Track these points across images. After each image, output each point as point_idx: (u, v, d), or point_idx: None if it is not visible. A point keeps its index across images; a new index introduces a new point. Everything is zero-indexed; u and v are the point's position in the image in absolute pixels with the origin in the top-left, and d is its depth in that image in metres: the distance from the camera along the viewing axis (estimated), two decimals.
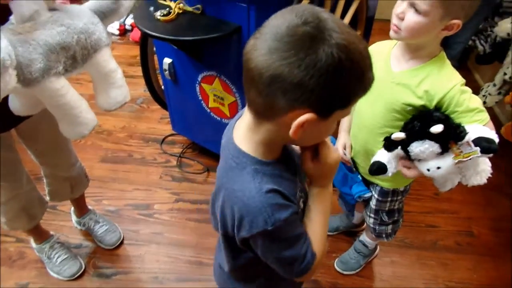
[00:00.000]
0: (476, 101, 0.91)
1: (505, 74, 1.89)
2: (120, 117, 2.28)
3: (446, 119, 0.89)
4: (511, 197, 1.83)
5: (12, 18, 0.78)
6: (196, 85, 1.68)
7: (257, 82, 0.53)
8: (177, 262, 1.60)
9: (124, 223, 1.73)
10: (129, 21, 3.06)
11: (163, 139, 2.15)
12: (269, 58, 0.51)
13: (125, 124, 2.26)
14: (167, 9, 1.40)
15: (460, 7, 0.83)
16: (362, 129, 1.10)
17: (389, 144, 0.95)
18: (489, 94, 2.00)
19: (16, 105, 0.92)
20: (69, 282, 1.52)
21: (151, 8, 1.43)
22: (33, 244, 1.55)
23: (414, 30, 0.87)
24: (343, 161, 1.23)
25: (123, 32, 3.08)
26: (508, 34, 1.86)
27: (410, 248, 1.66)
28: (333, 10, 1.55)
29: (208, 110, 1.74)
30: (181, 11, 1.40)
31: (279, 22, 0.52)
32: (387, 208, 1.24)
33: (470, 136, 0.84)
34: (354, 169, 1.23)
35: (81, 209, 1.64)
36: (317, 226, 0.71)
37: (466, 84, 0.92)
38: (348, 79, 0.52)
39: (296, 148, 0.74)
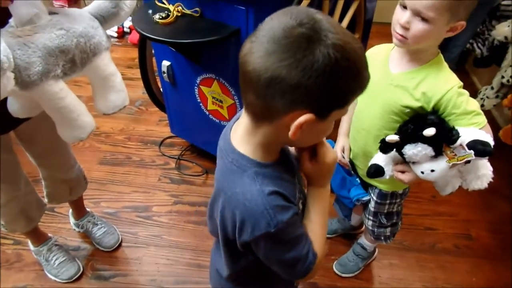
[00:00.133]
0: (473, 104, 0.91)
1: (502, 77, 1.89)
2: (119, 119, 2.28)
3: (440, 123, 0.89)
4: (509, 200, 1.84)
5: (11, 21, 0.78)
6: (195, 87, 1.68)
7: (254, 85, 0.53)
8: (175, 264, 1.60)
9: (123, 225, 1.73)
10: (128, 23, 3.06)
11: (162, 141, 2.15)
12: (266, 60, 0.51)
13: (124, 126, 2.26)
14: (166, 12, 1.40)
15: (464, 8, 0.84)
16: (360, 132, 1.10)
17: (385, 146, 0.95)
18: (487, 97, 2.00)
19: (14, 108, 0.92)
20: (67, 285, 1.51)
21: (150, 11, 1.43)
22: (31, 246, 1.54)
23: (422, 38, 0.87)
24: (341, 164, 1.23)
25: (122, 34, 3.08)
26: (506, 38, 1.87)
27: (408, 250, 1.66)
28: (331, 12, 1.55)
29: (207, 113, 1.75)
30: (179, 14, 1.40)
31: (274, 25, 0.53)
32: (385, 211, 1.24)
33: (464, 139, 0.85)
34: (352, 172, 1.23)
35: (79, 211, 1.64)
36: (317, 227, 0.71)
37: (464, 87, 0.92)
38: (345, 78, 0.53)
39: (292, 149, 0.74)
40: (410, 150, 0.91)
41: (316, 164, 0.69)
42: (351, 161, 1.22)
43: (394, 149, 0.96)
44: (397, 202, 1.23)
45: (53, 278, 1.52)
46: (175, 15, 1.39)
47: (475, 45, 2.19)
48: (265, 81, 0.52)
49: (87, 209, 1.67)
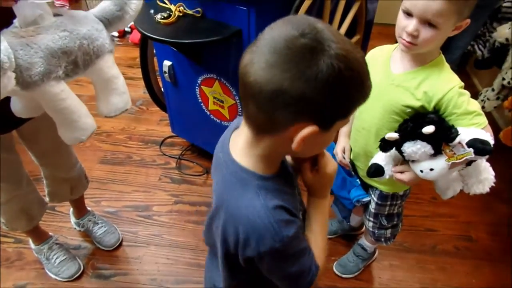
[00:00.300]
0: (474, 105, 0.91)
1: (503, 79, 1.89)
2: (120, 118, 2.28)
3: (439, 121, 0.89)
4: (509, 202, 1.84)
5: (16, 21, 0.79)
6: (196, 87, 1.68)
7: (257, 97, 0.52)
8: (176, 264, 1.60)
9: (123, 224, 1.73)
10: None
11: (163, 141, 2.15)
12: (268, 72, 0.50)
13: (125, 125, 2.27)
14: (167, 12, 1.41)
15: (469, 7, 0.84)
16: (361, 132, 1.10)
17: (384, 145, 0.96)
18: (488, 99, 2.00)
19: (17, 107, 0.92)
20: (67, 283, 1.52)
21: (151, 11, 1.43)
22: (31, 245, 1.55)
23: (432, 43, 0.87)
24: (342, 164, 1.23)
25: (123, 34, 3.09)
26: (507, 39, 1.87)
27: (409, 252, 1.66)
28: (332, 13, 1.55)
29: (208, 113, 1.75)
30: (181, 14, 1.41)
31: (275, 35, 0.52)
32: (386, 212, 1.24)
33: (464, 137, 0.85)
34: (353, 173, 1.24)
35: (80, 210, 1.64)
36: (318, 238, 0.70)
37: (465, 89, 0.92)
38: (349, 88, 0.52)
39: (288, 159, 0.73)
40: (409, 147, 0.91)
41: (317, 174, 0.69)
42: (351, 162, 1.22)
43: (394, 148, 0.96)
44: (398, 204, 1.23)
45: (53, 276, 1.53)
46: (176, 15, 1.39)
47: (476, 46, 2.19)
48: (268, 93, 0.50)
49: (88, 208, 1.67)
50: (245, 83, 0.53)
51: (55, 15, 0.82)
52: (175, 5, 1.41)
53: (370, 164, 1.05)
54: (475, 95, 2.03)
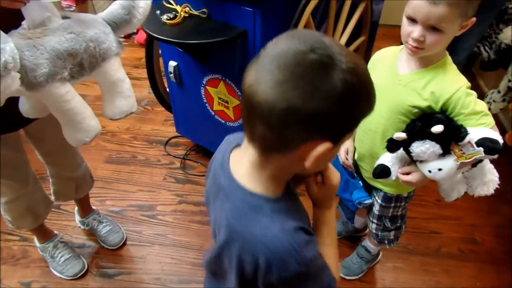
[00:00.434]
0: (481, 105, 0.91)
1: (509, 81, 1.89)
2: (125, 118, 2.25)
3: (447, 121, 0.89)
4: None
5: (24, 23, 0.80)
6: (201, 88, 1.69)
7: (266, 117, 0.50)
8: (180, 263, 1.60)
9: (127, 223, 1.74)
10: None
11: (167, 141, 2.16)
12: (279, 90, 0.48)
13: (129, 125, 2.28)
14: (173, 12, 1.41)
15: (473, 7, 0.84)
16: (367, 133, 1.10)
17: (392, 145, 0.95)
18: (494, 101, 1.99)
19: (25, 108, 0.93)
20: (72, 282, 1.53)
21: (158, 12, 1.44)
22: (37, 243, 1.56)
23: (438, 46, 0.88)
24: (345, 166, 1.23)
25: (129, 34, 3.10)
26: None
27: (413, 254, 1.65)
28: (338, 14, 1.55)
29: (213, 113, 1.75)
30: (187, 15, 1.41)
31: (281, 51, 0.50)
32: (390, 214, 1.24)
33: (473, 137, 0.85)
34: (355, 174, 1.23)
35: (85, 209, 1.65)
36: (331, 250, 0.69)
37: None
38: (360, 102, 0.52)
39: None
40: (418, 147, 0.91)
41: (323, 187, 0.68)
42: (354, 163, 1.22)
43: (401, 148, 0.96)
44: (402, 206, 1.23)
45: (58, 274, 1.54)
46: (182, 16, 1.40)
47: (482, 48, 2.18)
48: (279, 112, 0.48)
49: (93, 207, 1.68)
50: (252, 103, 0.51)
51: (64, 17, 0.83)
52: (181, 6, 1.42)
53: (376, 165, 1.04)
54: (480, 97, 2.02)
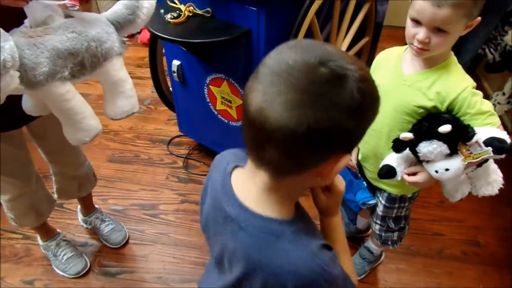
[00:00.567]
0: (487, 105, 0.91)
1: None
2: (127, 117, 2.29)
3: (454, 120, 0.89)
4: None
5: (26, 21, 0.80)
6: (204, 87, 1.69)
7: (281, 142, 0.47)
8: (182, 262, 1.60)
9: (130, 222, 1.74)
10: None
11: (170, 140, 2.16)
12: (296, 113, 0.45)
13: (132, 124, 2.28)
14: (177, 11, 1.41)
15: (478, 7, 0.84)
16: (371, 133, 1.09)
17: (398, 145, 0.95)
18: (498, 103, 1.99)
19: (27, 106, 0.93)
20: (74, 280, 1.53)
21: (162, 11, 1.44)
22: (39, 241, 1.57)
23: (444, 46, 0.87)
24: (349, 166, 1.23)
25: (132, 34, 3.11)
26: None
27: (415, 255, 1.64)
28: (342, 15, 1.55)
29: (216, 112, 1.75)
30: (191, 14, 1.41)
31: (288, 67, 0.46)
32: (394, 215, 1.24)
33: (480, 136, 0.84)
34: (359, 175, 1.23)
35: (88, 207, 1.65)
36: (345, 258, 0.69)
37: None
38: (372, 107, 0.51)
39: None
40: (425, 147, 0.90)
41: (331, 195, 0.68)
42: (358, 164, 1.22)
43: (408, 148, 0.95)
44: (406, 206, 1.22)
45: (60, 273, 1.54)
46: (186, 15, 1.40)
47: (487, 50, 2.17)
48: (301, 136, 0.45)
49: (96, 206, 1.68)
50: (264, 130, 0.47)
51: (67, 16, 0.83)
52: (185, 5, 1.42)
53: (381, 165, 1.04)
54: (485, 98, 2.02)
